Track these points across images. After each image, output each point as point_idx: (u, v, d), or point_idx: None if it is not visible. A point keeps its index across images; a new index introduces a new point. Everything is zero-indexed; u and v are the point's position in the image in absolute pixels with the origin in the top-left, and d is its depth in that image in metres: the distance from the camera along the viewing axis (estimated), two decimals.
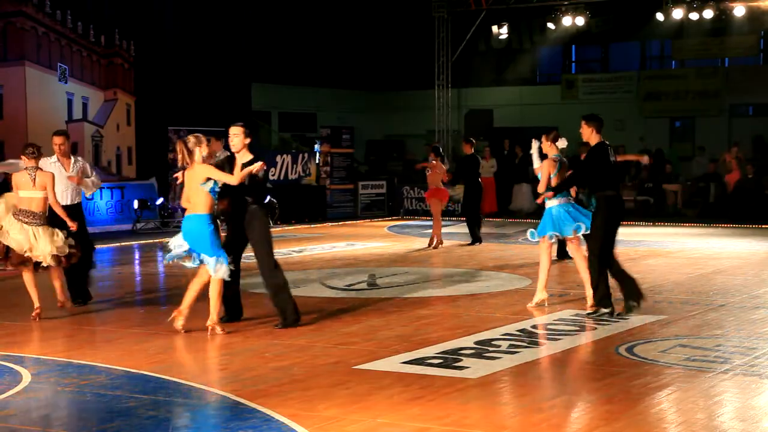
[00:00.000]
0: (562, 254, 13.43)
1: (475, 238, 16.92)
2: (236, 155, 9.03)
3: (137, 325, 9.41)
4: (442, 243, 16.48)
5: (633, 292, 9.58)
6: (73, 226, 9.57)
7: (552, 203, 10.05)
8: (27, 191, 9.48)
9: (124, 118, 21.09)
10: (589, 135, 9.78)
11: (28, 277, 9.64)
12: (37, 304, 9.60)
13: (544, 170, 10.07)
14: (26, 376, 7.22)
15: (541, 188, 10.08)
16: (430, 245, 16.33)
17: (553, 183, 10.01)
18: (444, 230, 20.24)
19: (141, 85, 21.32)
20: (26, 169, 9.56)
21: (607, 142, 9.72)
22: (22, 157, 9.63)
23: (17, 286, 12.58)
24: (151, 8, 21.56)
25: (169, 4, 21.83)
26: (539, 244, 10.22)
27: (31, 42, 19.18)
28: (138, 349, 8.26)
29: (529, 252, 15.74)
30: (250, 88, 24.13)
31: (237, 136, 8.95)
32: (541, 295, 10.16)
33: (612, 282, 9.60)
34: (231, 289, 9.07)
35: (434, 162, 16.44)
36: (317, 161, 23.64)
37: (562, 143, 10.28)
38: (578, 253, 10.17)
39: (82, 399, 6.81)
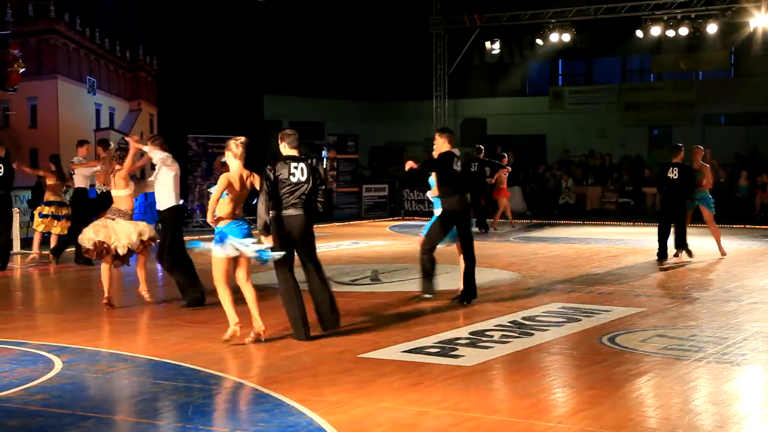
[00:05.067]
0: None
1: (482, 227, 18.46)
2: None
3: (160, 317, 9.40)
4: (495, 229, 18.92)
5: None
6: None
7: (437, 211, 10.18)
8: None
9: (147, 127, 21.08)
10: (441, 145, 9.88)
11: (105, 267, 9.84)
12: (106, 294, 9.77)
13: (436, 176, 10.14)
14: (58, 364, 7.22)
15: (433, 194, 10.33)
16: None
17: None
18: None
19: (163, 97, 21.31)
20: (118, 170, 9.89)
21: (456, 153, 9.87)
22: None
23: (46, 282, 12.60)
24: (172, 26, 21.56)
25: (188, 22, 21.82)
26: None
27: (63, 57, 19.18)
28: (160, 339, 8.25)
29: (520, 250, 15.74)
30: (262, 99, 24.12)
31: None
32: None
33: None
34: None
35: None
36: (324, 166, 23.62)
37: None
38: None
39: (109, 384, 6.81)
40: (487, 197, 19.23)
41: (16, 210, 15.60)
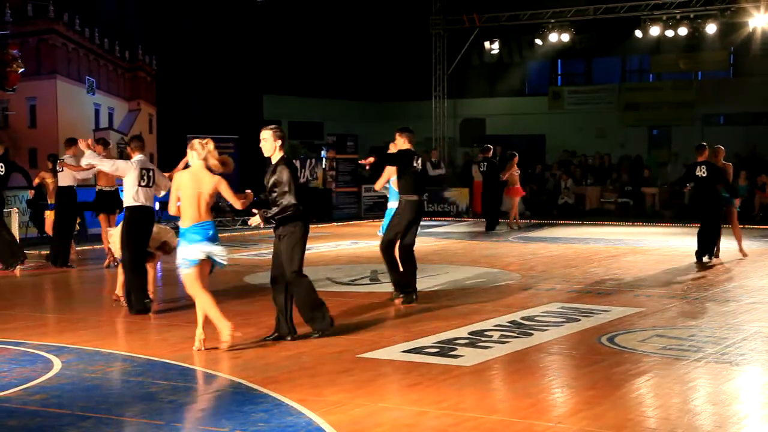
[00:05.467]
0: None
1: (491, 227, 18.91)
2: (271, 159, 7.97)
3: (158, 318, 9.40)
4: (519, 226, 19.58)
5: (401, 282, 9.92)
6: None
7: (393, 204, 10.24)
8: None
9: (146, 127, 21.08)
10: (401, 144, 9.96)
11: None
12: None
13: (386, 171, 10.13)
14: (57, 364, 7.22)
15: (378, 186, 10.62)
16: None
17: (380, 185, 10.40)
18: (442, 230, 20.29)
19: (162, 96, 21.31)
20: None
21: (415, 151, 9.96)
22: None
23: (48, 282, 12.59)
24: (171, 26, 21.56)
25: (187, 22, 21.82)
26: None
27: (62, 57, 19.18)
28: (159, 339, 8.25)
29: (519, 250, 15.74)
30: (262, 99, 24.12)
31: (266, 140, 7.89)
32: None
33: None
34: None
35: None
36: (324, 166, 23.62)
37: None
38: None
39: (108, 384, 6.81)
40: (490, 196, 19.37)
41: (15, 210, 15.60)
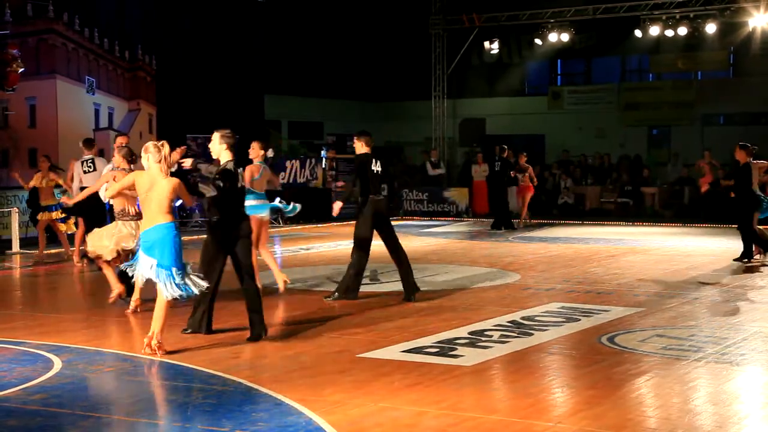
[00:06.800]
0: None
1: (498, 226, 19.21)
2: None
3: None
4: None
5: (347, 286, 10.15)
6: None
7: (250, 202, 10.14)
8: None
9: (146, 127, 21.08)
10: (359, 148, 10.18)
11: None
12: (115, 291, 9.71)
13: (246, 173, 10.16)
14: (58, 363, 7.21)
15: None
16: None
17: (255, 186, 10.35)
18: (441, 230, 20.30)
19: (162, 96, 21.31)
20: (123, 170, 9.68)
21: (372, 154, 10.19)
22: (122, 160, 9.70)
23: (47, 281, 12.59)
24: (171, 25, 21.55)
25: (187, 22, 21.82)
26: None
27: (62, 57, 19.18)
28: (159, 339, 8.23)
29: (519, 249, 15.73)
30: (263, 99, 24.12)
31: (212, 142, 8.18)
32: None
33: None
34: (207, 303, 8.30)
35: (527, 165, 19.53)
36: (324, 166, 23.61)
37: (270, 153, 10.66)
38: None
39: (108, 384, 6.81)
40: (502, 195, 19.47)
41: (15, 210, 15.60)
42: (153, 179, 7.58)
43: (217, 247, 8.07)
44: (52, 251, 14.75)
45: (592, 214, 23.29)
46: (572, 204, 24.07)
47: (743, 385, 6.66)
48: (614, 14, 23.93)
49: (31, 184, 14.17)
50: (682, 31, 22.90)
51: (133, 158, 9.72)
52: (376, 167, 10.11)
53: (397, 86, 29.10)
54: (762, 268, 12.84)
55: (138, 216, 9.54)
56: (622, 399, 6.23)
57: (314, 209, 22.06)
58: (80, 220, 13.34)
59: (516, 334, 8.26)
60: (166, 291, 7.41)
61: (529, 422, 5.63)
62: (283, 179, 21.33)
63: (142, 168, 8.67)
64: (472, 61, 28.69)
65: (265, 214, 10.53)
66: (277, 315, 9.41)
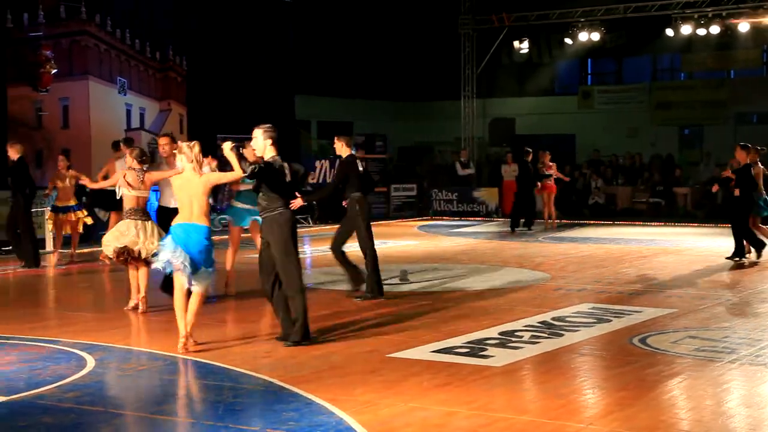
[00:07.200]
0: None
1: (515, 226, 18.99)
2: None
3: None
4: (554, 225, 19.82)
5: (356, 278, 10.36)
6: None
7: (239, 205, 10.40)
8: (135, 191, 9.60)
9: (177, 127, 21.20)
10: (340, 149, 10.29)
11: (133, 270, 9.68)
12: (134, 298, 9.66)
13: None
14: (90, 362, 7.28)
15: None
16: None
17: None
18: (471, 230, 20.27)
19: (193, 97, 21.43)
20: (133, 169, 9.65)
21: (357, 155, 10.47)
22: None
23: (80, 280, 12.72)
24: (202, 26, 21.68)
25: (218, 23, 21.93)
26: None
27: (94, 58, 19.35)
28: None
29: (549, 250, 15.66)
30: (293, 99, 24.20)
31: (255, 140, 8.09)
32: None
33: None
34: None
35: (551, 164, 19.39)
36: None
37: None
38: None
39: (140, 382, 6.86)
40: (529, 196, 19.41)
41: (48, 209, 15.73)
42: (187, 179, 7.77)
43: (266, 244, 7.97)
44: (85, 250, 14.90)
45: (624, 214, 23.13)
46: (603, 204, 23.92)
47: None
48: (645, 13, 23.73)
49: (51, 186, 14.10)
50: (715, 29, 22.67)
51: (143, 159, 9.78)
52: (362, 167, 10.38)
53: (427, 86, 29.08)
54: None
55: (146, 215, 9.65)
56: (655, 401, 6.18)
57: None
58: (112, 215, 13.54)
59: (547, 335, 8.22)
60: (201, 287, 7.63)
61: (561, 423, 5.60)
62: (312, 179, 21.38)
63: (156, 168, 8.92)
64: (502, 61, 28.60)
65: (246, 223, 10.43)
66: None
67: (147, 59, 20.60)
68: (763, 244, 13.47)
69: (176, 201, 7.98)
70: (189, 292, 7.71)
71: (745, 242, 13.44)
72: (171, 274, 7.75)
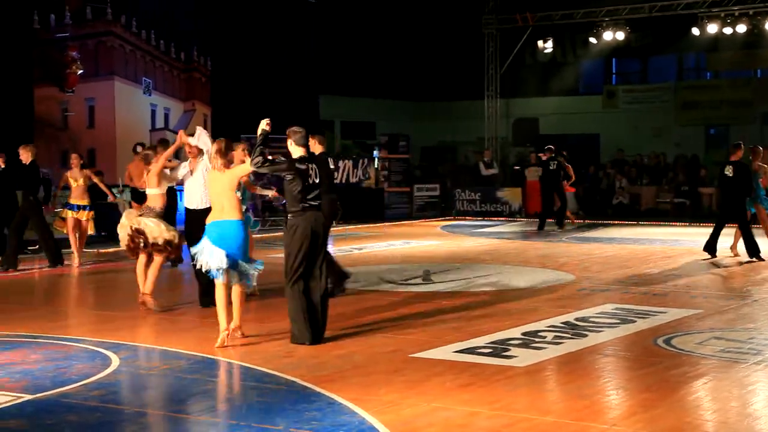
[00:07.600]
0: None
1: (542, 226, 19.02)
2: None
3: (213, 316, 9.47)
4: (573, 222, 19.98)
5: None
6: None
7: None
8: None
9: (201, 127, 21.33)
10: (314, 146, 10.09)
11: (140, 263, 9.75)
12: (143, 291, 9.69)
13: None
14: (115, 360, 7.33)
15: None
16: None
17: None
18: (494, 230, 20.21)
19: (217, 97, 21.56)
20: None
21: (328, 154, 10.45)
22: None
23: (105, 279, 12.82)
24: (226, 27, 21.78)
25: (242, 23, 22.03)
26: None
27: (120, 59, 19.51)
28: (214, 337, 8.30)
29: (573, 250, 15.59)
30: (317, 99, 24.25)
31: (289, 145, 8.45)
32: None
33: None
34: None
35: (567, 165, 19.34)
36: (376, 166, 23.68)
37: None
38: None
39: (164, 381, 6.90)
40: (555, 194, 19.37)
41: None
42: (214, 177, 8.06)
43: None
44: (110, 250, 15.01)
45: (648, 214, 22.98)
46: (627, 204, 23.79)
47: None
48: (671, 12, 23.60)
49: (62, 184, 13.98)
50: (741, 28, 22.49)
51: (149, 162, 10.05)
52: (332, 166, 10.53)
53: (450, 86, 29.06)
54: None
55: (161, 212, 9.71)
56: (679, 402, 6.13)
57: (367, 209, 22.14)
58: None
59: (570, 336, 8.19)
60: (247, 282, 7.91)
61: (584, 424, 5.57)
62: (336, 179, 21.43)
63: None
64: (526, 61, 28.52)
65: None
66: (329, 315, 9.42)
67: (172, 60, 20.73)
68: (758, 249, 13.44)
69: (207, 200, 8.22)
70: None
71: (733, 239, 13.78)
72: (209, 285, 8.01)
